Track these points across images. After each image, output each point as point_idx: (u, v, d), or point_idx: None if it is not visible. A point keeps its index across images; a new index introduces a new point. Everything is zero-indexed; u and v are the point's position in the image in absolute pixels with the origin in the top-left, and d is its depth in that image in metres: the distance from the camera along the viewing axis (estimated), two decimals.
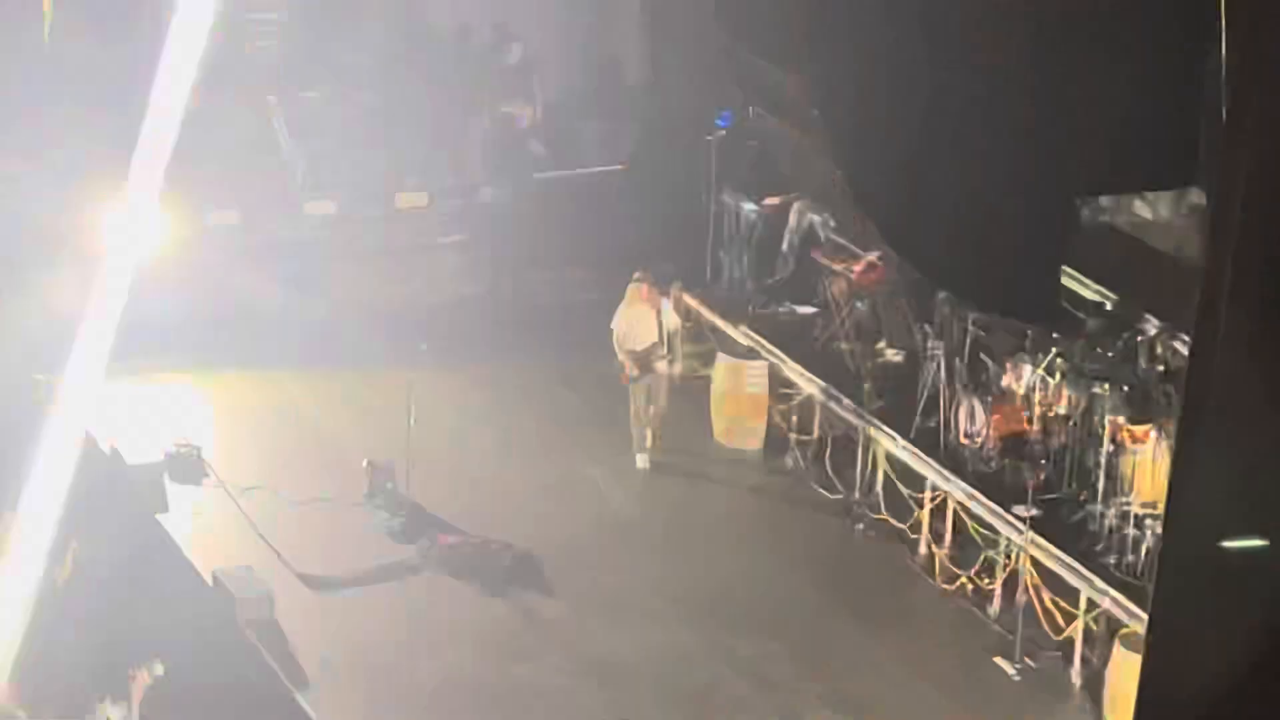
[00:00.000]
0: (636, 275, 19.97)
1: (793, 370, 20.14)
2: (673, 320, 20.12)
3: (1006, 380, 18.26)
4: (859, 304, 20.35)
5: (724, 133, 22.47)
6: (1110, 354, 18.04)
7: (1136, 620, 15.94)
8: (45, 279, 21.18)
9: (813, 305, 21.00)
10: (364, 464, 19.36)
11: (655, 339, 19.82)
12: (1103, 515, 17.16)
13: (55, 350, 20.58)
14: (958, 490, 18.02)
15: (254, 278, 22.03)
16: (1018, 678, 16.93)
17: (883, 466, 18.89)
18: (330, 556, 18.35)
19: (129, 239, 18.56)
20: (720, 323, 21.27)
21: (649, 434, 20.06)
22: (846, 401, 19.41)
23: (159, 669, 15.69)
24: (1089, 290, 18.54)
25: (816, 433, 19.76)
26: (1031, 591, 17.10)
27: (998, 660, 17.11)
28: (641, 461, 20.01)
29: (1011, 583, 17.36)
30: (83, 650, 16.96)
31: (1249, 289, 9.65)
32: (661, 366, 19.89)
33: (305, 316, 21.81)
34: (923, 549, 18.34)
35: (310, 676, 16.74)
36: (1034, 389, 17.98)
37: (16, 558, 17.60)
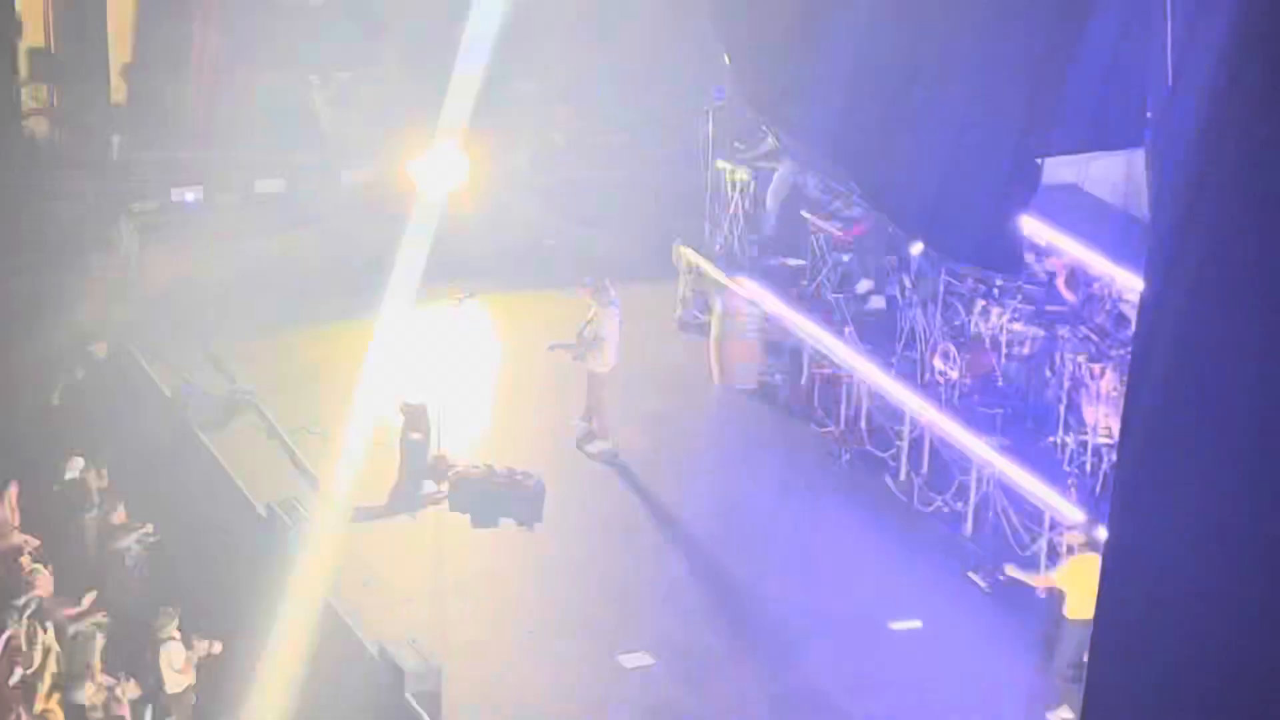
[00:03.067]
0: (586, 280, 19.52)
1: (784, 316, 20.20)
2: (598, 325, 19.10)
3: (977, 324, 18.33)
4: (843, 256, 20.42)
5: (720, 104, 22.52)
6: (1071, 299, 18.13)
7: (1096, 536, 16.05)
8: None
9: (801, 258, 21.06)
10: (399, 405, 19.47)
11: (580, 335, 19.28)
12: (1064, 443, 17.25)
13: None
14: (934, 422, 18.11)
15: (298, 238, 22.18)
16: (988, 590, 17.04)
17: (866, 402, 18.99)
18: (369, 488, 18.46)
19: None
20: (717, 274, 21.34)
21: (593, 420, 19.45)
22: (833, 344, 19.49)
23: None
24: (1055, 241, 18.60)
25: (805, 373, 19.84)
26: (1000, 512, 17.22)
27: (971, 575, 17.21)
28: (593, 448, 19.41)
29: (983, 505, 17.48)
30: (150, 573, 17.17)
31: (1190, 242, 9.75)
32: (584, 359, 19.25)
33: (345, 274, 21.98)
34: (903, 475, 18.44)
35: (352, 590, 16.90)
36: (1002, 331, 18.06)
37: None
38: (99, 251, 21.47)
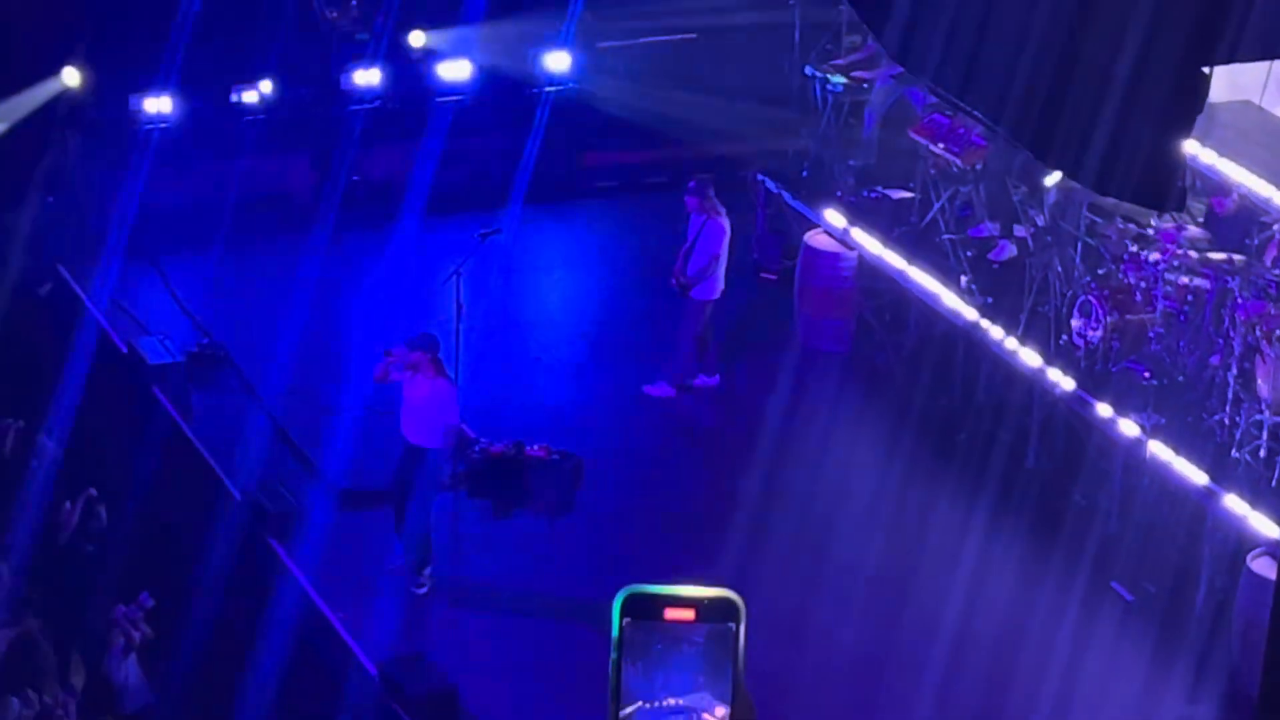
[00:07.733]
0: (690, 184, 19.68)
1: (885, 261, 20.12)
2: (716, 243, 19.41)
3: (1126, 273, 18.22)
4: (960, 188, 20.31)
5: None
6: (1246, 244, 17.96)
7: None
8: None
9: (908, 189, 20.96)
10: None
11: (684, 259, 19.49)
12: (1234, 425, 17.13)
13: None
14: (1072, 395, 18.02)
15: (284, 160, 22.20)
16: (1134, 600, 16.97)
17: (986, 369, 18.87)
18: (372, 468, 18.48)
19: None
20: (804, 208, 21.27)
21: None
22: (946, 296, 19.40)
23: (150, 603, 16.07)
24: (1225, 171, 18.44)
25: (911, 332, 19.78)
26: (1153, 509, 17.15)
27: (1114, 585, 17.15)
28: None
29: (1130, 499, 17.39)
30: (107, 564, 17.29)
31: None
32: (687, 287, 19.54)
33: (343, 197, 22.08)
34: (1031, 461, 18.35)
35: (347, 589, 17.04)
36: (1157, 282, 17.93)
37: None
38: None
